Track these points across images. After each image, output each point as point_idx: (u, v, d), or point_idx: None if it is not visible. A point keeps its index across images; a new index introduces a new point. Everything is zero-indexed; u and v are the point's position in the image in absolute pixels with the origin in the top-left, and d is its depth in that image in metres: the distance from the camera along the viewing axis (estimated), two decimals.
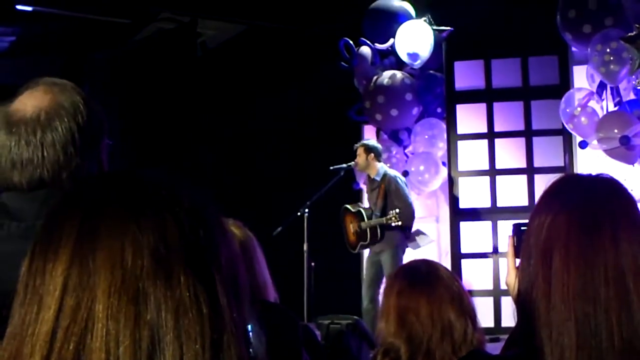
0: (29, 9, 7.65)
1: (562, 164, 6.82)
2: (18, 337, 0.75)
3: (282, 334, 2.04)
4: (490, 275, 6.94)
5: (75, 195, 0.82)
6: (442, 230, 7.38)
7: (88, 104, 1.54)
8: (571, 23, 6.38)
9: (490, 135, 7.25)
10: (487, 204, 7.15)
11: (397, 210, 6.47)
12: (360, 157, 6.78)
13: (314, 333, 2.54)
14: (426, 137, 7.44)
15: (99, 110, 1.57)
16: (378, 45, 7.63)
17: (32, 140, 1.48)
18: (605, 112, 6.25)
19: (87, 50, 8.71)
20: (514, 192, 7.06)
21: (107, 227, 0.76)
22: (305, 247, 6.80)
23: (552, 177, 1.41)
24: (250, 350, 0.81)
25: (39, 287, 0.76)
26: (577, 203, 1.32)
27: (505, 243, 1.53)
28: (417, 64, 7.31)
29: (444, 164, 7.35)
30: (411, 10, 7.52)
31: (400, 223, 6.47)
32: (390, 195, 6.67)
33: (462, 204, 7.23)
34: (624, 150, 5.92)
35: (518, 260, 1.41)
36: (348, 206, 7.18)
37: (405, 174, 7.11)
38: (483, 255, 7.04)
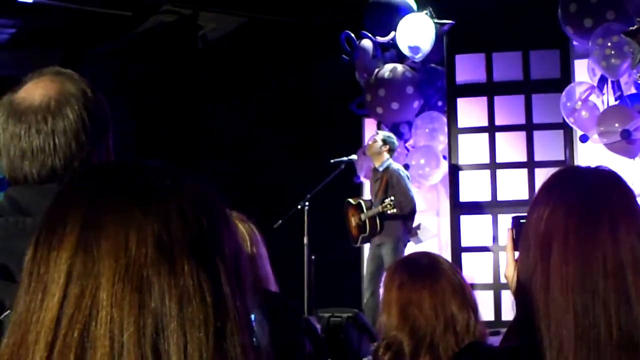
0: (30, 1, 7.64)
1: (562, 157, 6.82)
2: (23, 325, 0.75)
3: (285, 323, 2.04)
4: (490, 269, 6.95)
5: (79, 183, 0.82)
6: (443, 223, 7.38)
7: (95, 92, 1.52)
8: (572, 17, 6.37)
9: (491, 129, 7.25)
10: (487, 197, 7.15)
11: (392, 198, 6.51)
12: (376, 143, 6.86)
13: (315, 326, 2.54)
14: (427, 130, 7.44)
15: (104, 99, 1.55)
16: (379, 39, 7.62)
17: (44, 128, 1.43)
18: (606, 106, 6.25)
19: (87, 43, 8.71)
20: (514, 185, 7.06)
21: (111, 216, 0.76)
22: (305, 241, 6.81)
23: (552, 171, 1.41)
24: (254, 339, 0.81)
25: (43, 275, 0.76)
26: (576, 195, 1.32)
27: (505, 237, 1.53)
28: (418, 57, 7.30)
29: (444, 157, 7.35)
30: (412, 3, 7.50)
31: (395, 211, 6.51)
32: (392, 188, 6.69)
33: (463, 198, 7.23)
34: (625, 144, 5.92)
35: (517, 253, 1.42)
36: (350, 200, 7.19)
37: (406, 167, 7.12)
38: (483, 249, 7.05)
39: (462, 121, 7.34)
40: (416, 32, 7.21)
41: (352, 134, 8.06)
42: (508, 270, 1.50)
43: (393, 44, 7.53)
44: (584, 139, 6.31)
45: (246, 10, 8.40)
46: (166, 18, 8.57)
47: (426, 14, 7.31)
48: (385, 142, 6.86)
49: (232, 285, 0.78)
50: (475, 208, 7.16)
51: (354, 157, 7.30)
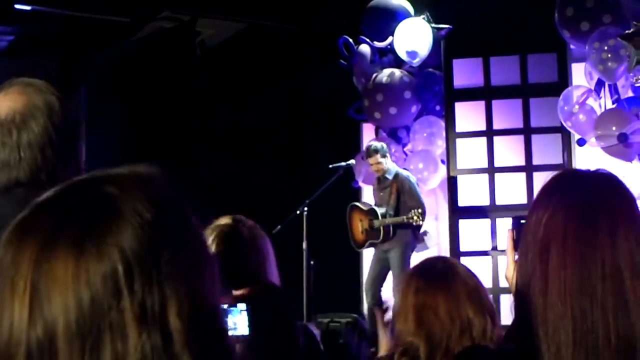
0: (28, 8, 7.64)
1: (560, 161, 6.82)
2: None
3: (275, 307, 2.02)
4: (489, 273, 6.93)
5: (27, 225, 0.79)
6: (441, 228, 7.38)
7: (63, 104, 1.51)
8: (569, 21, 6.39)
9: (489, 133, 7.25)
10: (486, 201, 7.14)
11: (420, 210, 6.51)
12: (380, 164, 6.74)
13: (313, 332, 2.54)
14: (425, 135, 7.45)
15: (74, 111, 1.54)
16: (377, 44, 7.63)
17: (9, 141, 1.44)
18: (603, 110, 6.26)
19: (86, 50, 8.70)
20: (512, 189, 7.05)
21: (57, 272, 0.74)
22: (304, 246, 6.80)
23: (550, 174, 1.41)
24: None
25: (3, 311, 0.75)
26: (575, 199, 1.32)
27: (504, 241, 1.53)
28: (416, 62, 7.31)
29: (442, 162, 7.35)
30: (410, 8, 7.51)
31: (422, 223, 6.53)
32: (404, 195, 6.70)
33: (461, 202, 7.23)
34: (622, 147, 5.92)
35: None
36: (357, 204, 7.16)
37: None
38: (482, 253, 7.04)
39: (460, 125, 7.34)
40: (414, 37, 7.22)
41: (350, 139, 8.06)
42: (508, 271, 1.50)
43: (391, 49, 7.54)
44: (581, 142, 6.31)
45: (245, 16, 8.41)
46: (165, 24, 8.57)
47: (423, 18, 7.32)
48: (384, 155, 6.77)
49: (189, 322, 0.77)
50: (473, 212, 7.16)
51: (352, 162, 7.30)
